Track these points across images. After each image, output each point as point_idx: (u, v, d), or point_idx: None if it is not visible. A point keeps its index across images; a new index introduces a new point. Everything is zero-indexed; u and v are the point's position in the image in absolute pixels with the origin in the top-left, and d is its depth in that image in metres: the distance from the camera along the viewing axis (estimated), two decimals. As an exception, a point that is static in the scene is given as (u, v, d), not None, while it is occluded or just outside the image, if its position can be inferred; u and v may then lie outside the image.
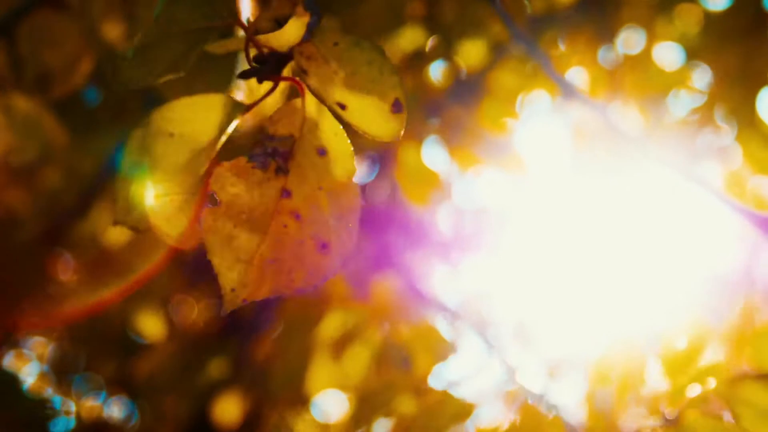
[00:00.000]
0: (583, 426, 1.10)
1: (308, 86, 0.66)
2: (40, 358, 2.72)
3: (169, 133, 0.68)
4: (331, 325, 1.92)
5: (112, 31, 1.51)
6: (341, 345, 1.91)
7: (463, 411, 1.86)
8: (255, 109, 0.70)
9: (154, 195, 0.67)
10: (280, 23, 0.69)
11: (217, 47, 0.74)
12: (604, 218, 2.30)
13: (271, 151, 0.65)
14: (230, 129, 0.68)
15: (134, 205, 0.67)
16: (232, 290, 0.64)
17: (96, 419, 2.76)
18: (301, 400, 2.30)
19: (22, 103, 1.60)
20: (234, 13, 0.70)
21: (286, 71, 0.70)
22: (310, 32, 0.68)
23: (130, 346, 2.52)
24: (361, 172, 2.42)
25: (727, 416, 0.96)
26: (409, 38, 2.07)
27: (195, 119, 0.68)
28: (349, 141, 0.67)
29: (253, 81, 0.70)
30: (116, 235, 2.30)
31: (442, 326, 2.17)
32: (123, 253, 2.33)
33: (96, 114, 1.86)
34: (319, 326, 1.93)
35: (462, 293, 2.68)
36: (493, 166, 2.47)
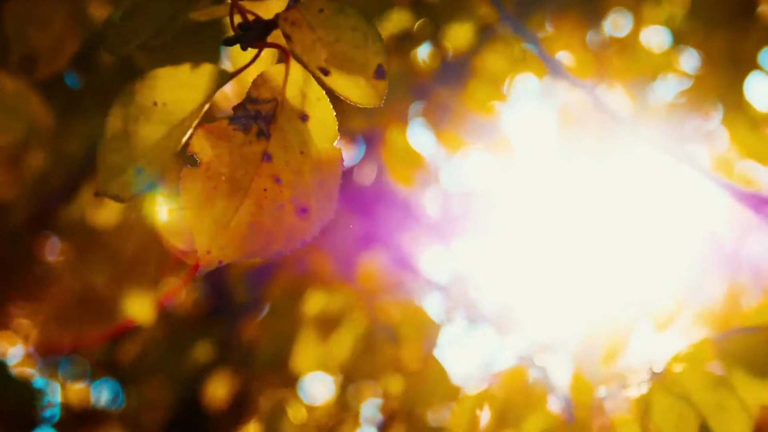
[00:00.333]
0: (569, 392, 1.10)
1: (292, 52, 0.66)
2: (25, 340, 2.72)
3: (152, 101, 0.67)
4: (317, 306, 1.92)
5: (99, 11, 1.50)
6: (328, 325, 1.91)
7: (452, 391, 1.87)
8: (240, 77, 0.70)
9: (136, 165, 0.66)
10: (264, -11, 0.69)
11: (202, 14, 0.73)
12: (591, 199, 2.30)
13: (253, 114, 0.65)
14: (214, 97, 0.67)
15: (116, 175, 0.66)
16: (208, 252, 0.64)
17: (82, 402, 2.76)
18: (289, 381, 2.30)
19: (7, 83, 1.59)
20: (219, -23, 0.70)
21: (271, 38, 0.70)
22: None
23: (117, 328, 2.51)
24: (348, 153, 2.42)
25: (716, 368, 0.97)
26: (397, 20, 2.07)
27: (178, 87, 0.68)
28: (332, 107, 0.66)
29: (237, 48, 0.70)
30: (104, 218, 2.29)
31: (430, 306, 2.18)
32: (111, 236, 2.33)
33: (81, 96, 1.86)
34: (305, 307, 1.93)
35: (449, 273, 2.69)
36: (480, 148, 2.48)
